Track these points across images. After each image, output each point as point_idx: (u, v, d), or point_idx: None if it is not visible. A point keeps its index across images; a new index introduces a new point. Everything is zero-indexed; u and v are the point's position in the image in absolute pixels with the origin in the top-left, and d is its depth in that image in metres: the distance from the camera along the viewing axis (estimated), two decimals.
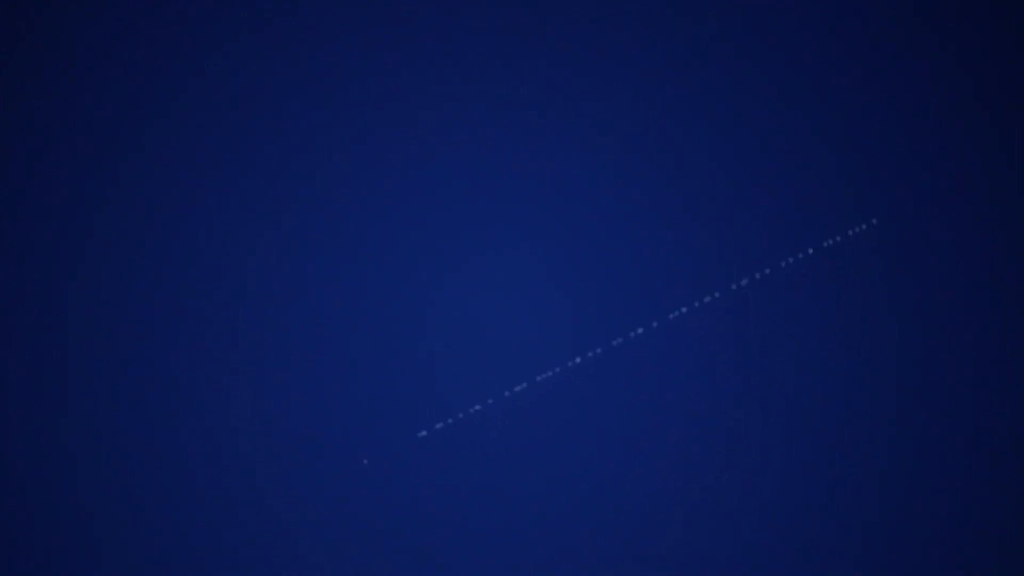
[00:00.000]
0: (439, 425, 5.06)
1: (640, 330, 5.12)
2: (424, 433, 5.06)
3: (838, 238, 5.16)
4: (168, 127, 5.13)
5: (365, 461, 5.04)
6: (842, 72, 5.21)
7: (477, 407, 5.07)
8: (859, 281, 5.15)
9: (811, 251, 5.15)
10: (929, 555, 5.04)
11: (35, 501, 4.99)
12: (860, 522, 5.06)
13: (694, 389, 5.10)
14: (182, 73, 5.14)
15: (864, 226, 5.16)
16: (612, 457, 5.07)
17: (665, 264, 5.15)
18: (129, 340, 5.06)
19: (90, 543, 4.99)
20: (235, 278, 5.09)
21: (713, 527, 5.05)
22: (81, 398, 5.04)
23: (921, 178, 5.18)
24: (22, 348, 5.04)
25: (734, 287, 5.14)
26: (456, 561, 5.02)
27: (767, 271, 5.15)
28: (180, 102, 5.14)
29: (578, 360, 5.10)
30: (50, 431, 5.03)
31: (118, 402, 5.04)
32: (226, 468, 5.02)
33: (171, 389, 5.04)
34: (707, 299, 5.14)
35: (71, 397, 5.04)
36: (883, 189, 5.19)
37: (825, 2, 5.20)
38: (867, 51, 5.21)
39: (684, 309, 5.13)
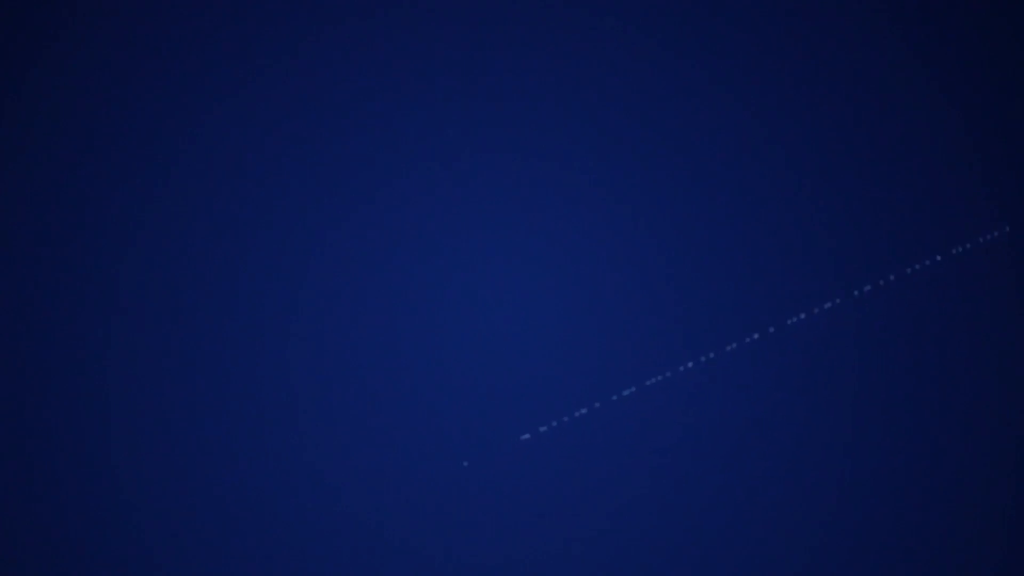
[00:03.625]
0: (543, 428, 4.87)
1: (756, 335, 4.90)
2: (527, 436, 4.87)
3: (968, 245, 4.92)
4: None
5: (465, 463, 4.85)
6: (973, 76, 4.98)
7: (583, 411, 4.87)
8: (987, 291, 4.92)
9: (938, 258, 4.92)
10: None
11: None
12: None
13: (821, 390, 4.89)
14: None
15: (996, 233, 4.92)
16: (720, 465, 4.87)
17: (787, 263, 4.94)
18: (201, 344, 4.91)
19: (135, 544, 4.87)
20: (337, 280, 4.93)
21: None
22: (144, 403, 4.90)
23: None
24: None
25: (856, 293, 4.91)
26: (555, 565, 4.85)
27: (891, 277, 4.92)
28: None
29: (690, 364, 4.90)
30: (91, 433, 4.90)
31: (194, 403, 4.89)
32: (325, 468, 4.86)
33: (258, 389, 4.88)
34: (827, 305, 4.91)
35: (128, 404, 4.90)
36: (1016, 196, 4.95)
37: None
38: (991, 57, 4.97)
39: (803, 315, 4.91)
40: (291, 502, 4.86)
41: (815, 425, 4.88)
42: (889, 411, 4.88)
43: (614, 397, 4.88)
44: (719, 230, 4.95)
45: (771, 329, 4.91)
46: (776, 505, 4.86)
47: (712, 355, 4.90)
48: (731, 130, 4.98)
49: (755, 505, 4.86)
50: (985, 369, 4.88)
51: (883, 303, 4.92)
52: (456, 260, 4.94)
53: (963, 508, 4.86)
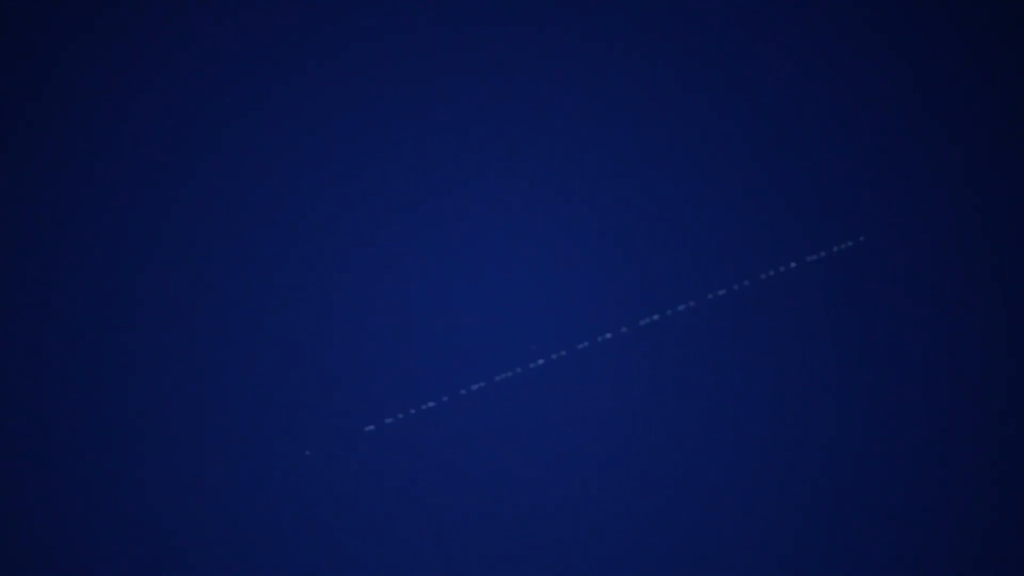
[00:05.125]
0: (388, 420, 4.77)
1: (608, 335, 4.85)
2: (372, 428, 4.77)
3: (823, 253, 4.91)
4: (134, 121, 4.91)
5: (307, 452, 4.74)
6: (832, 85, 4.99)
7: (431, 404, 4.79)
8: (840, 297, 4.91)
9: (793, 265, 4.91)
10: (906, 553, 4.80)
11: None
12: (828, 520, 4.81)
13: (657, 397, 4.84)
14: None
15: (850, 243, 4.92)
16: (564, 462, 4.80)
17: (640, 270, 4.90)
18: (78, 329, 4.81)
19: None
20: (191, 267, 4.83)
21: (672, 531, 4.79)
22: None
23: (908, 196, 4.96)
24: None
25: (710, 296, 4.88)
26: (393, 555, 4.74)
27: (746, 283, 4.89)
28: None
29: (540, 362, 4.83)
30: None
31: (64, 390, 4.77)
32: (166, 455, 4.74)
33: (121, 380, 4.77)
34: (681, 307, 4.87)
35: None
36: (872, 206, 4.96)
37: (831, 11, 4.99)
38: (855, 64, 5.00)
39: (656, 316, 4.87)
40: (131, 491, 4.73)
41: (662, 427, 4.82)
42: (734, 413, 4.84)
43: (462, 391, 4.80)
44: (573, 229, 4.91)
45: (623, 329, 4.86)
46: (623, 501, 4.79)
47: (563, 353, 4.84)
48: (586, 130, 4.96)
49: (601, 499, 4.79)
50: (834, 375, 4.86)
51: (737, 307, 4.89)
52: (304, 250, 4.86)
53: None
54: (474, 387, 4.80)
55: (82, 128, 4.89)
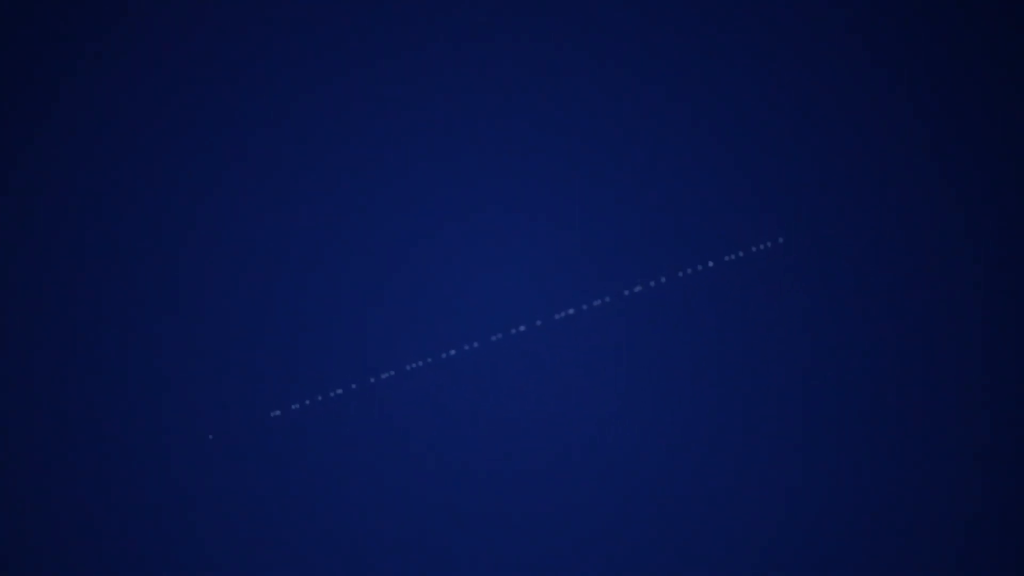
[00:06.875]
0: (295, 406, 4.72)
1: (522, 327, 4.81)
2: (277, 413, 4.71)
3: (740, 253, 4.88)
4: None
5: (211, 436, 4.68)
6: (753, 85, 4.97)
7: (339, 391, 4.74)
8: (757, 297, 4.89)
9: (711, 264, 4.88)
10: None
11: None
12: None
13: (569, 394, 4.80)
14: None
15: (769, 243, 4.90)
16: (475, 450, 4.76)
17: (554, 265, 4.87)
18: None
19: None
20: (99, 253, 4.78)
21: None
22: None
23: (827, 197, 4.94)
24: None
25: (626, 293, 4.85)
26: (294, 541, 4.69)
27: (663, 280, 4.86)
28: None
29: (452, 352, 4.79)
30: None
31: None
32: (71, 435, 4.68)
33: (17, 364, 4.71)
34: (597, 303, 4.84)
35: None
36: (791, 207, 4.94)
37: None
38: (778, 63, 4.98)
39: (571, 311, 4.83)
40: (29, 474, 4.68)
41: (577, 420, 4.79)
42: (649, 410, 4.82)
43: (371, 379, 4.75)
44: (495, 221, 4.88)
45: (537, 323, 4.82)
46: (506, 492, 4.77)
47: (476, 344, 4.80)
48: (508, 121, 4.93)
49: (513, 486, 4.77)
50: (749, 375, 4.84)
51: (652, 305, 4.86)
52: (219, 234, 4.81)
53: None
54: (384, 375, 4.75)
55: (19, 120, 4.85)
